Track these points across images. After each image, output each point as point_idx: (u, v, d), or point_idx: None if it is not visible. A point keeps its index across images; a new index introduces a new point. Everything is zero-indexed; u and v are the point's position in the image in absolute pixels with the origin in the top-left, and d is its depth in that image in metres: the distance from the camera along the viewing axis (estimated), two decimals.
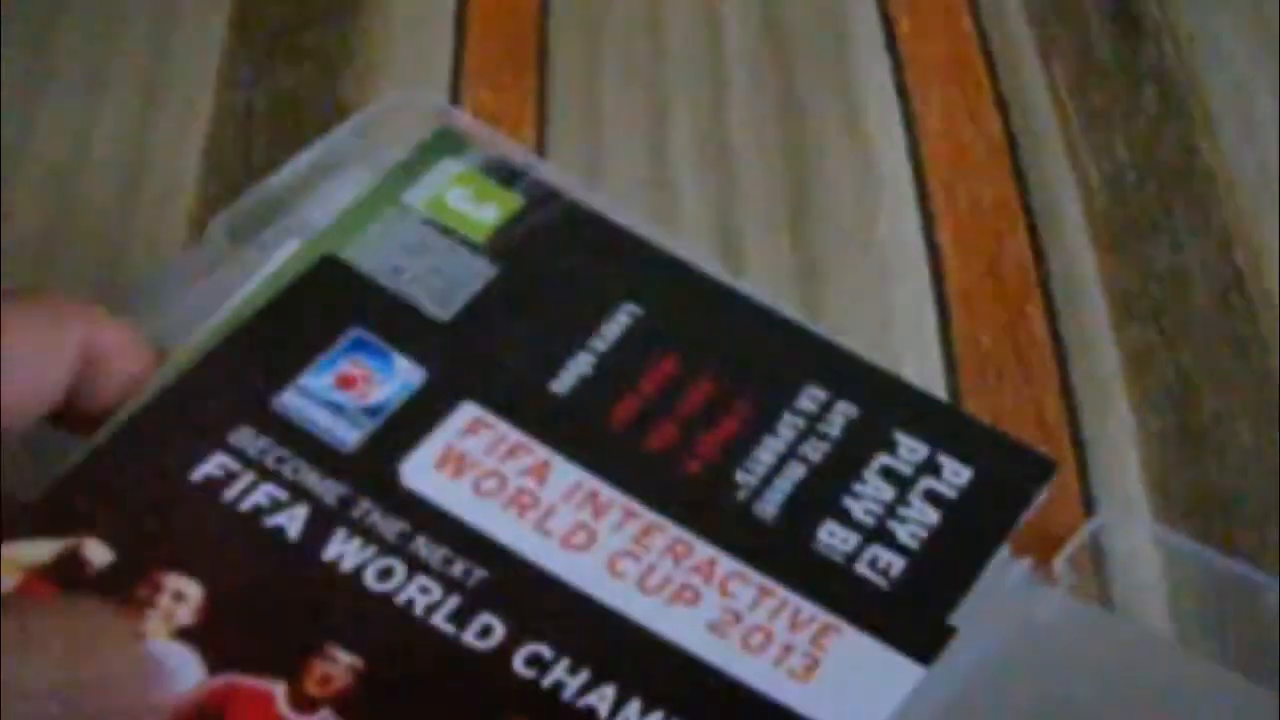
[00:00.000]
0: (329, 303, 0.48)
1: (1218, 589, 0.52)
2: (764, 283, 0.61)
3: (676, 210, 0.64)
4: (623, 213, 0.54)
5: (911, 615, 0.45)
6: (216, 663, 0.41)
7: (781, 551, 0.46)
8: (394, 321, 0.48)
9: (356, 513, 0.44)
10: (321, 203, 0.54)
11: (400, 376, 0.47)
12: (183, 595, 0.42)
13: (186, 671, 0.41)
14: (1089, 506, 0.55)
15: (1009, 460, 0.49)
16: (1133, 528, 0.54)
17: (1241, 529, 0.54)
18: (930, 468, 0.48)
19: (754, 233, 0.64)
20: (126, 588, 0.42)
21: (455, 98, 0.68)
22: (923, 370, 0.59)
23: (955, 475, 0.48)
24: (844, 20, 0.72)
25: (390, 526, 0.44)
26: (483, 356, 0.48)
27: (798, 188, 0.65)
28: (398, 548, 0.44)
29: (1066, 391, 0.58)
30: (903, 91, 0.69)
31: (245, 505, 0.44)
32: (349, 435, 0.46)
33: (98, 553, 0.42)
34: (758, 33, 0.72)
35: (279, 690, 0.41)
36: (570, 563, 0.44)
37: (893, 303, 0.61)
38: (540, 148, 0.67)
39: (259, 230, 0.53)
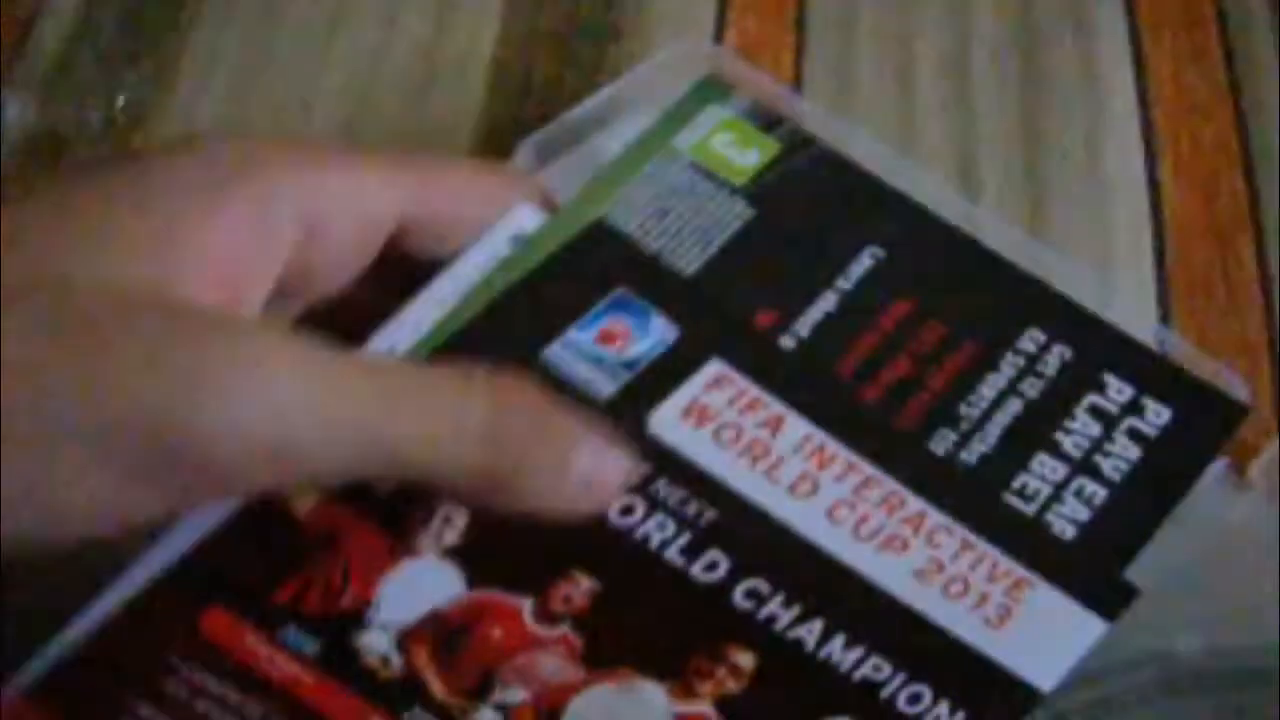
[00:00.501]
0: (597, 265, 0.53)
1: None
2: (995, 209, 0.67)
3: (918, 135, 0.69)
4: (875, 158, 0.58)
5: (1100, 570, 0.49)
6: (476, 579, 0.47)
7: (983, 504, 0.50)
8: (654, 280, 0.52)
9: None
10: (615, 137, 0.59)
11: (656, 333, 0.51)
12: (450, 520, 0.47)
13: (451, 585, 0.47)
14: (778, 119, 0.57)
15: (1207, 403, 0.53)
16: None
17: None
18: (1134, 408, 0.52)
19: (989, 161, 0.69)
20: (403, 514, 0.47)
21: (721, 25, 0.73)
22: (1138, 291, 0.64)
23: (1156, 415, 0.52)
24: None
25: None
26: (731, 312, 0.53)
27: (1032, 120, 0.70)
28: (640, 488, 0.48)
29: (1269, 317, 0.63)
30: (1135, 35, 0.73)
31: None
32: (606, 386, 0.50)
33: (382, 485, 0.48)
34: None
35: (526, 605, 0.47)
36: (794, 509, 0.49)
37: (1114, 229, 0.66)
38: (798, 75, 0.72)
39: (561, 155, 0.60)
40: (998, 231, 0.57)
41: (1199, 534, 0.51)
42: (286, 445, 0.42)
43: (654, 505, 0.48)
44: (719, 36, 0.73)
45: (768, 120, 0.57)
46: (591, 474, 0.46)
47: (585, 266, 0.52)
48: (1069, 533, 0.50)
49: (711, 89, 0.58)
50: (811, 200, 0.56)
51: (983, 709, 0.46)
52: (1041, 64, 0.72)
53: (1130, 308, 0.62)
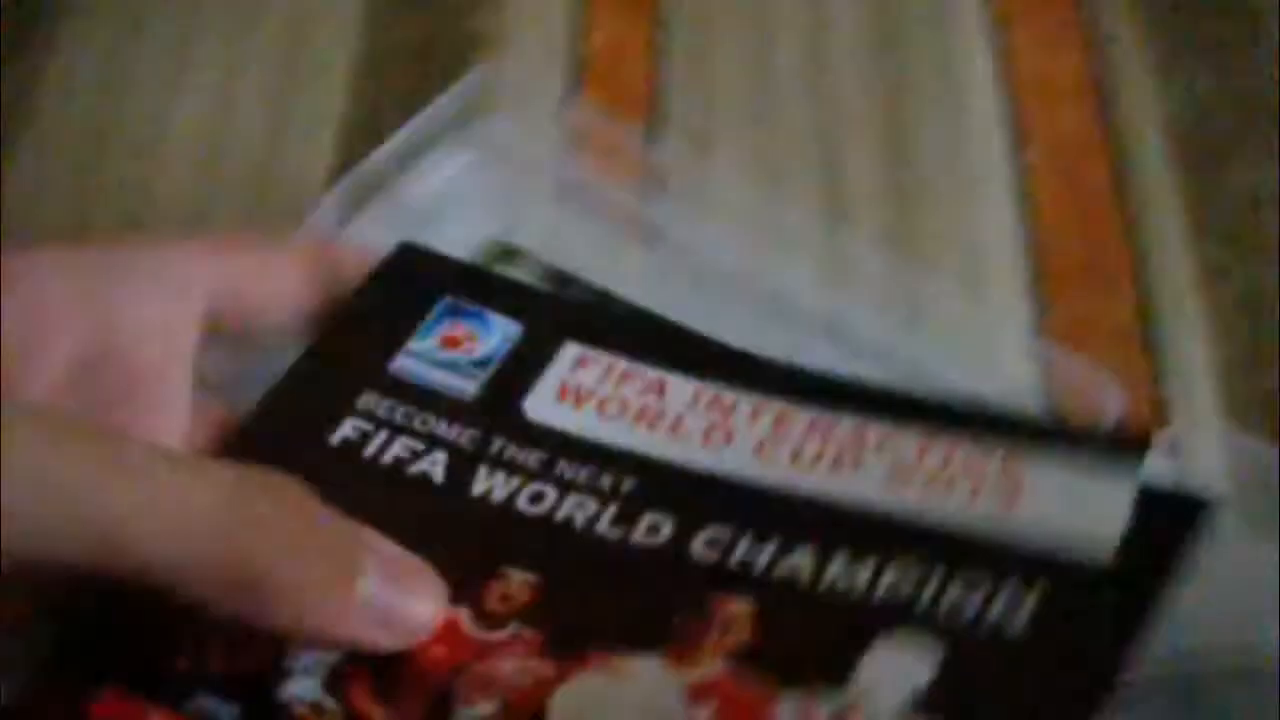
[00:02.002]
0: (417, 280, 0.52)
1: None
2: (861, 210, 0.64)
3: (779, 144, 0.67)
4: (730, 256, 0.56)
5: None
6: None
7: (923, 405, 0.47)
8: (478, 286, 0.52)
9: (493, 450, 0.47)
10: (420, 180, 0.58)
11: (499, 330, 0.50)
12: None
13: None
14: (1162, 410, 0.58)
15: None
16: (1203, 432, 0.57)
17: None
18: None
19: (852, 157, 0.66)
20: None
21: (577, 28, 0.71)
22: (1010, 282, 0.62)
23: None
24: None
25: (529, 456, 0.47)
26: (572, 304, 0.53)
27: (894, 116, 0.68)
28: (541, 474, 0.46)
29: (1141, 303, 0.61)
30: (994, 23, 0.71)
31: (386, 459, 0.47)
32: (467, 385, 0.49)
33: None
34: None
35: (463, 614, 0.44)
36: (717, 457, 0.47)
37: (983, 222, 0.64)
38: (654, 81, 0.69)
39: (363, 209, 0.58)
40: (870, 324, 0.55)
41: None
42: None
43: (563, 487, 0.46)
44: (576, 38, 0.71)
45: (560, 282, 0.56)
46: (387, 606, 0.42)
47: (404, 284, 0.52)
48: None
49: (500, 252, 0.57)
50: None
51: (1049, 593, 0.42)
52: (901, 60, 0.70)
53: (1011, 354, 0.59)
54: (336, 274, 0.51)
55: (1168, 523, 0.44)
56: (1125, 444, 0.46)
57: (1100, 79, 0.69)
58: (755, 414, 0.47)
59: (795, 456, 0.46)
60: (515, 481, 0.46)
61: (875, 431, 0.46)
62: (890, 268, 0.60)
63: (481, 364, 0.49)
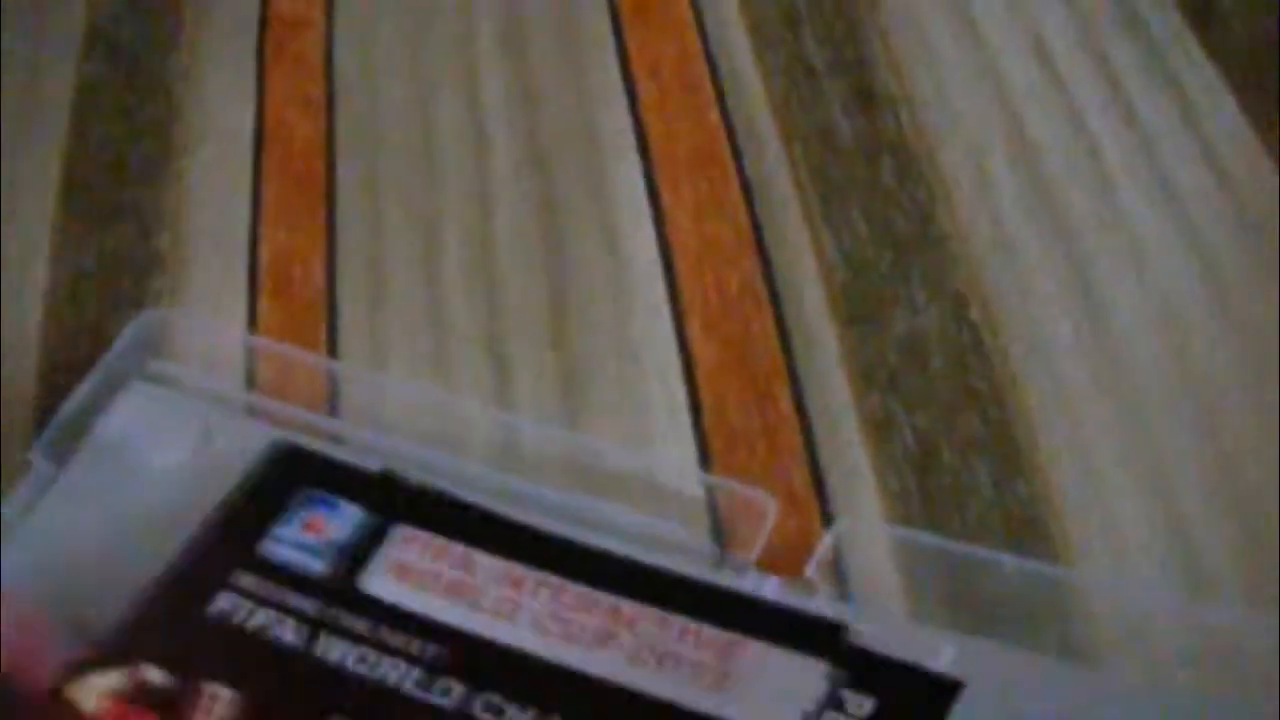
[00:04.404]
0: (285, 471, 0.60)
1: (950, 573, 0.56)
2: (529, 393, 0.63)
3: (448, 327, 0.66)
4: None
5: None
6: None
7: (673, 586, 0.56)
8: (333, 476, 0.60)
9: (333, 620, 0.55)
10: (117, 418, 0.63)
11: (349, 515, 0.58)
12: (218, 697, 0.53)
13: None
14: (839, 575, 0.56)
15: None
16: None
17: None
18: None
19: (519, 344, 0.65)
20: (177, 699, 0.53)
21: (255, 240, 0.70)
22: (678, 455, 0.60)
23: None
24: (598, 127, 0.74)
25: (360, 625, 0.55)
26: (407, 488, 0.59)
27: (559, 296, 0.67)
28: (368, 639, 0.55)
29: (813, 465, 0.60)
30: (653, 190, 0.70)
31: (251, 625, 0.55)
32: (317, 564, 0.57)
33: (155, 675, 0.53)
34: (523, 148, 0.73)
35: None
36: (504, 629, 0.55)
37: (648, 397, 0.63)
38: (330, 280, 0.68)
39: (76, 453, 0.62)
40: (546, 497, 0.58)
41: None
42: None
43: (384, 651, 0.54)
44: (253, 249, 0.70)
45: None
46: None
47: (275, 475, 0.60)
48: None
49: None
50: None
51: None
52: (563, 237, 0.69)
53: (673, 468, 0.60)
54: None
55: (916, 702, 0.52)
56: (824, 626, 0.54)
57: (759, 235, 0.68)
58: (537, 589, 0.55)
59: (567, 630, 0.54)
60: (347, 645, 0.54)
61: (629, 610, 0.54)
62: (563, 444, 0.62)
63: (332, 545, 0.57)
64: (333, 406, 0.64)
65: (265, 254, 0.70)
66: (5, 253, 0.71)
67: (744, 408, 0.62)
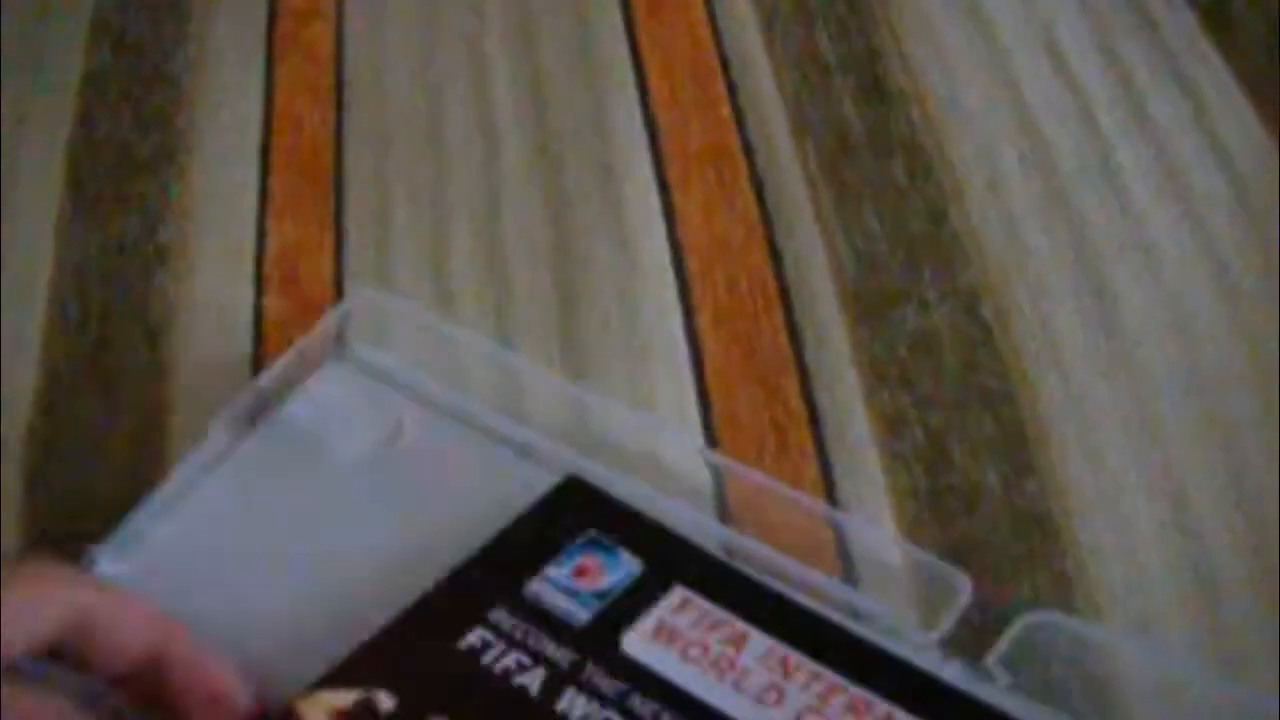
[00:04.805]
0: (571, 510, 0.58)
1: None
2: (536, 382, 0.63)
3: (457, 320, 0.65)
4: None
5: None
6: None
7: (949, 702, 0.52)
8: (621, 523, 0.57)
9: (584, 675, 0.53)
10: (309, 399, 0.61)
11: (624, 567, 0.56)
12: None
13: None
14: (846, 568, 0.56)
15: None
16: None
17: (985, 576, 0.56)
18: None
19: (527, 335, 0.65)
20: None
21: (263, 233, 0.70)
22: (686, 450, 0.60)
23: None
24: (609, 123, 0.73)
25: (611, 686, 0.52)
26: (690, 547, 0.56)
27: (568, 292, 0.66)
28: (616, 703, 0.52)
29: (822, 460, 0.59)
30: (663, 184, 0.70)
31: (498, 668, 0.53)
32: (581, 613, 0.54)
33: (385, 701, 0.51)
34: (532, 143, 0.73)
35: None
36: (761, 716, 0.51)
37: (656, 390, 0.62)
38: (338, 274, 0.68)
39: (257, 426, 0.60)
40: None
41: None
42: None
43: (629, 718, 0.51)
44: (260, 242, 0.69)
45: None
46: None
47: (561, 513, 0.57)
48: None
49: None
50: None
51: None
52: (571, 230, 0.69)
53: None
54: (168, 644, 0.53)
55: None
56: None
57: (770, 232, 0.68)
58: (808, 681, 0.52)
59: None
60: (593, 706, 0.52)
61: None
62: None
63: (600, 595, 0.55)
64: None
65: (272, 247, 0.69)
66: (9, 246, 0.70)
67: (754, 404, 0.61)
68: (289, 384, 0.61)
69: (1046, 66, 0.75)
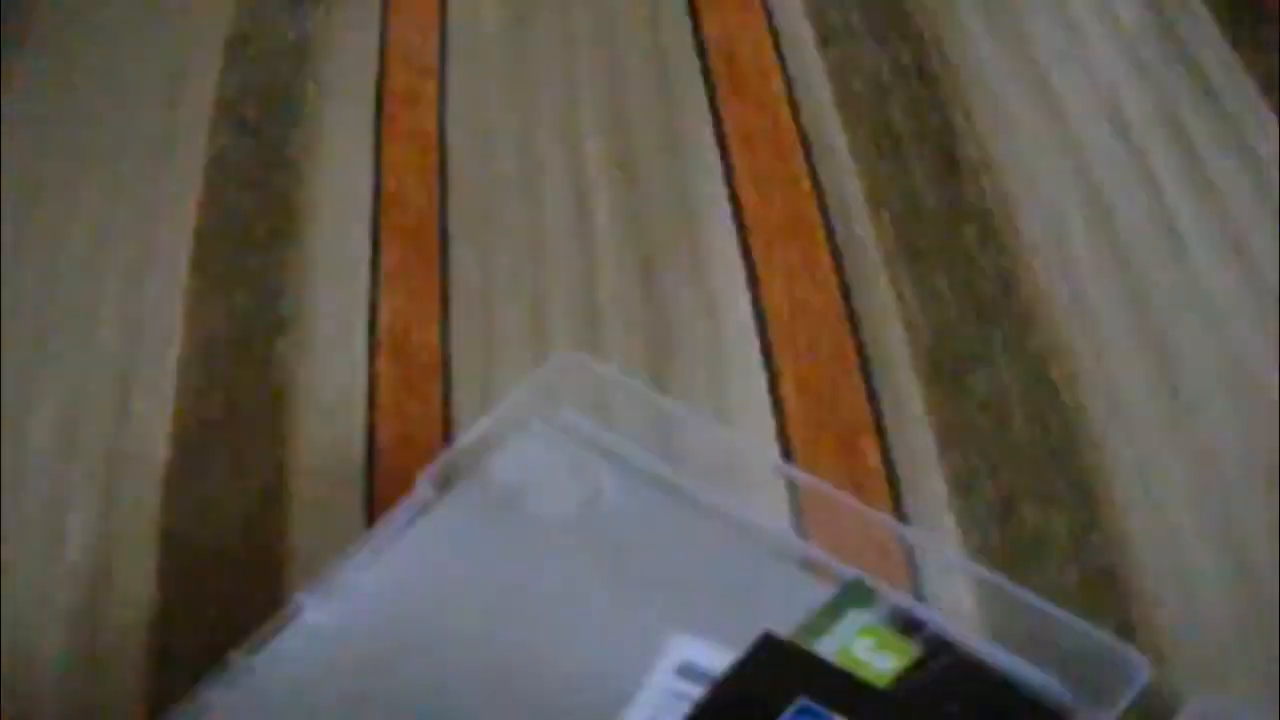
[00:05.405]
0: (776, 673, 0.54)
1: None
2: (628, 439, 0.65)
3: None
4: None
5: None
6: None
7: None
8: (832, 686, 0.53)
9: None
10: (511, 458, 0.62)
11: None
12: None
13: None
14: (916, 624, 0.58)
15: None
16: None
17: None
18: None
19: (620, 413, 0.66)
20: None
21: (374, 304, 0.73)
22: (773, 510, 0.62)
23: None
24: (695, 197, 0.76)
25: None
26: (890, 700, 0.54)
27: (660, 360, 0.69)
28: None
29: (900, 517, 0.62)
30: (747, 255, 0.73)
31: None
32: None
33: None
34: (624, 217, 0.76)
35: None
36: None
37: (744, 455, 0.65)
38: (444, 343, 0.71)
39: (458, 483, 0.61)
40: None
41: None
42: None
43: None
44: (372, 312, 0.73)
45: (908, 624, 0.56)
46: None
47: (765, 678, 0.53)
48: None
49: (856, 594, 0.57)
50: (949, 703, 0.55)
51: None
52: (662, 302, 0.71)
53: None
54: None
55: None
56: None
57: (848, 298, 0.71)
58: None
59: None
60: None
61: None
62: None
63: None
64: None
65: (384, 317, 0.73)
66: (144, 323, 0.74)
67: (833, 465, 0.64)
68: (487, 445, 0.62)
69: (1110, 135, 0.77)
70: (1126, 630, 0.57)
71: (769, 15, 0.86)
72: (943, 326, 0.69)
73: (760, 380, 0.67)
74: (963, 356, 0.67)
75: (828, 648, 0.55)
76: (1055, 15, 0.84)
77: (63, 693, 0.59)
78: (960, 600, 0.58)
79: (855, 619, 0.56)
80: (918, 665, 0.55)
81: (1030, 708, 0.54)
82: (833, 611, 0.57)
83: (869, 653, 0.56)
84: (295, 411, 0.68)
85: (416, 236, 0.76)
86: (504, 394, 0.66)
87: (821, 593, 0.56)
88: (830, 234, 0.73)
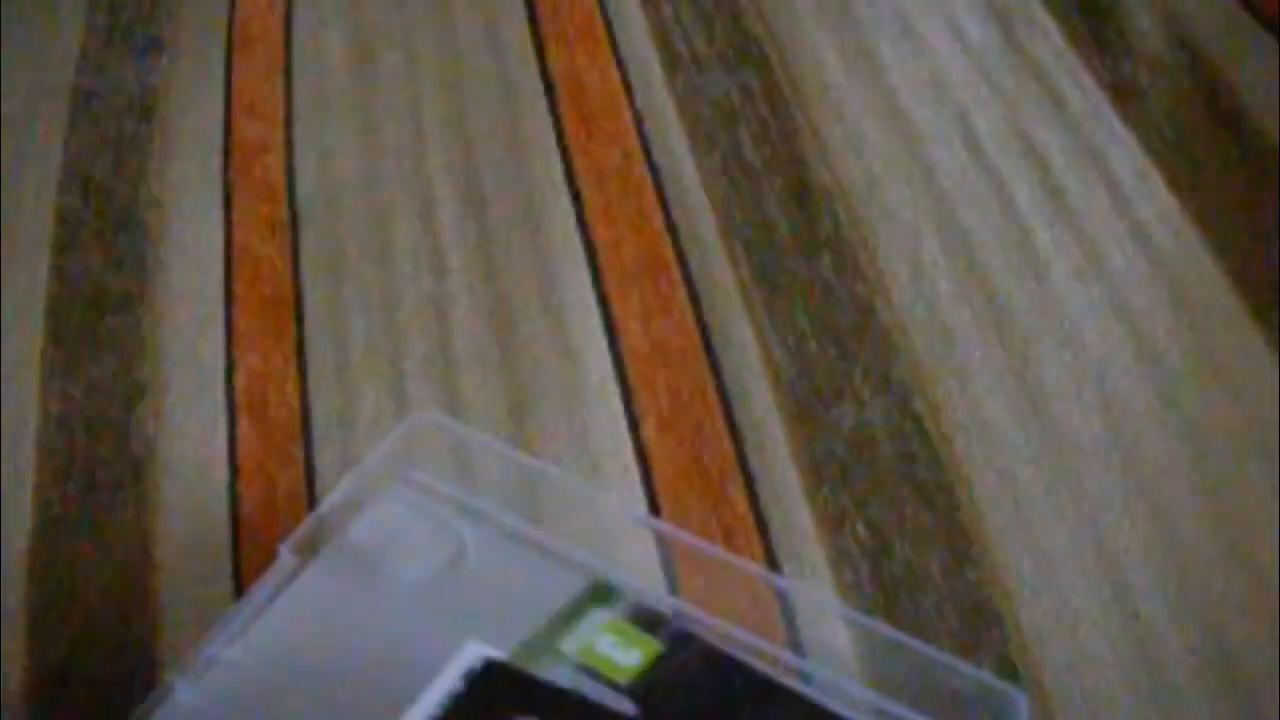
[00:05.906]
0: (499, 697, 0.53)
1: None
2: (488, 496, 0.64)
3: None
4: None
5: None
6: None
7: None
8: (556, 706, 0.53)
9: None
10: (369, 522, 0.60)
11: None
12: None
13: None
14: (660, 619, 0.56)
15: None
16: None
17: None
18: None
19: (482, 472, 0.65)
20: None
21: (231, 365, 0.71)
22: (639, 561, 0.61)
23: None
24: (547, 236, 0.75)
25: None
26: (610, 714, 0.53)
27: (516, 400, 0.67)
28: None
29: (770, 560, 0.60)
30: (603, 298, 0.71)
31: None
32: None
33: None
34: (476, 259, 0.74)
35: None
36: None
37: (609, 509, 0.63)
38: (303, 398, 0.69)
39: (320, 550, 0.60)
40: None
41: None
42: None
43: None
44: (230, 379, 0.71)
45: (651, 620, 0.56)
46: None
47: (487, 702, 0.53)
48: None
49: (598, 592, 0.57)
50: (693, 698, 0.55)
51: None
52: (517, 344, 0.70)
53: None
54: None
55: None
56: None
57: (707, 337, 0.69)
58: None
59: None
60: None
61: None
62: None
63: None
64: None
65: (241, 379, 0.71)
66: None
67: (701, 511, 0.62)
68: (349, 508, 0.61)
69: (963, 155, 0.76)
70: (1006, 667, 0.56)
71: (614, 45, 0.85)
72: (803, 360, 0.67)
73: (622, 426, 0.66)
74: (825, 390, 0.66)
75: (570, 646, 0.56)
76: (903, 35, 0.83)
77: None
78: (838, 645, 0.57)
79: (598, 616, 0.57)
80: (662, 659, 0.55)
81: (769, 692, 0.54)
82: (575, 610, 0.57)
83: (613, 649, 0.56)
84: (157, 480, 0.66)
85: (269, 292, 0.74)
86: (366, 452, 0.65)
87: None
88: (686, 271, 0.72)
